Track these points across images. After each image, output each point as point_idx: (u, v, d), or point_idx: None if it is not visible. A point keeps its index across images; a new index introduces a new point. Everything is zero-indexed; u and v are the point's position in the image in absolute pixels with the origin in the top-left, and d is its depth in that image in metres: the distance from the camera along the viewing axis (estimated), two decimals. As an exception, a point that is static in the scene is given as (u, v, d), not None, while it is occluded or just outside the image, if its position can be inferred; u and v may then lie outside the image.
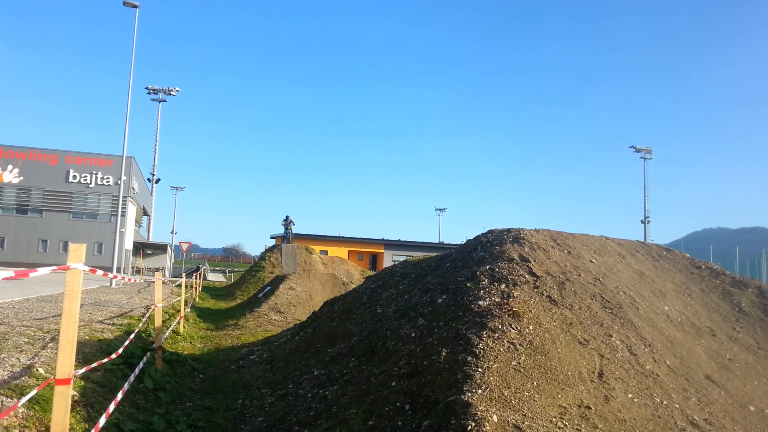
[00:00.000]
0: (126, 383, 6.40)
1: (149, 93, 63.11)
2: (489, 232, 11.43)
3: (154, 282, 10.20)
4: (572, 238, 11.27)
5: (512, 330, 6.50)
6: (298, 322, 14.86)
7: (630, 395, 6.03)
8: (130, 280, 11.42)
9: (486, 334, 6.33)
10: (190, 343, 13.16)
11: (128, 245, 51.89)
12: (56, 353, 4.84)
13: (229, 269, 75.08)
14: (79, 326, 5.33)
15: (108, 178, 50.83)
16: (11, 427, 4.69)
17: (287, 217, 35.45)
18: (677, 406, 6.24)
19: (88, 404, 5.96)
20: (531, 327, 6.67)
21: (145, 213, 67.75)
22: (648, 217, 66.12)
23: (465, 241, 12.18)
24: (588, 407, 5.44)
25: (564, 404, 5.38)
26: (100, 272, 5.53)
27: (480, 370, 5.58)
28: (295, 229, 36.53)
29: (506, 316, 6.82)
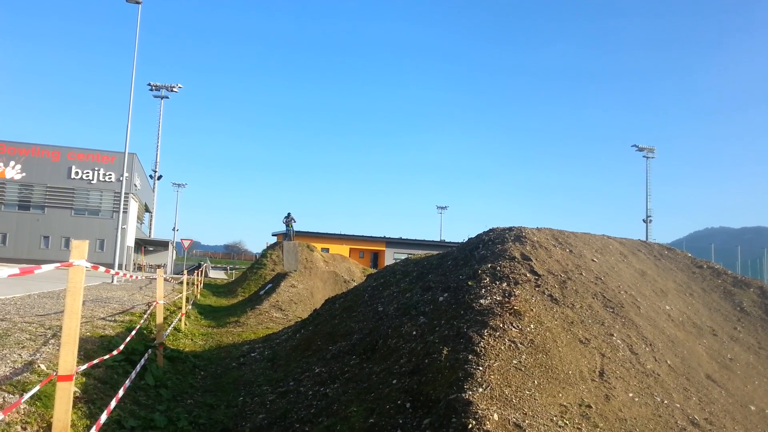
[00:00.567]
0: (127, 380, 6.42)
1: (151, 89, 63.22)
2: (491, 230, 11.43)
3: (155, 279, 10.21)
4: (574, 237, 11.27)
5: (513, 328, 6.50)
6: (300, 319, 14.89)
7: (631, 394, 6.03)
8: (131, 276, 11.43)
9: (487, 332, 6.33)
10: (192, 340, 13.18)
11: (130, 242, 52.02)
12: (58, 349, 4.86)
13: (231, 266, 75.17)
14: (81, 323, 5.35)
15: (110, 174, 50.92)
16: (13, 423, 4.71)
17: (289, 214, 35.49)
18: (678, 405, 6.24)
19: (89, 401, 5.98)
20: (532, 326, 6.67)
21: (147, 210, 67.86)
22: (650, 216, 66.10)
23: (467, 239, 12.19)
24: (589, 406, 5.44)
25: (565, 403, 5.39)
26: (102, 269, 5.54)
27: (481, 368, 5.58)
28: (296, 227, 36.60)
29: (507, 314, 6.82)
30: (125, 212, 39.77)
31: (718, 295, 11.59)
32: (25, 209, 50.34)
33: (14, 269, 3.49)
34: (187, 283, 18.42)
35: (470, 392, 5.12)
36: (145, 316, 11.47)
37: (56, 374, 4.05)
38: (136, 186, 54.52)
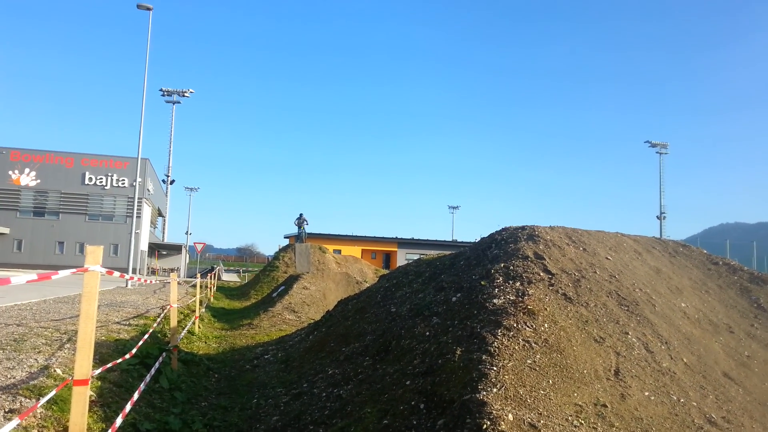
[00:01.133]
0: (142, 383, 6.46)
1: (163, 95, 63.49)
2: (503, 229, 11.38)
3: (169, 283, 10.27)
4: (587, 235, 11.20)
5: (527, 328, 6.46)
6: (312, 321, 14.91)
7: (647, 393, 5.97)
8: (145, 281, 11.51)
9: (501, 332, 6.30)
10: (206, 343, 13.24)
11: (143, 246, 52.37)
12: (73, 354, 4.89)
13: (243, 269, 75.45)
14: (96, 327, 5.38)
15: (123, 180, 51.32)
16: (30, 428, 4.75)
17: (301, 215, 35.50)
18: (695, 404, 6.18)
19: (105, 404, 6.02)
20: (546, 325, 6.63)
21: (160, 214, 68.26)
22: (664, 213, 65.64)
23: (479, 239, 12.15)
24: (604, 405, 5.40)
25: (580, 402, 5.35)
26: (116, 274, 5.58)
27: (495, 368, 5.55)
28: (308, 229, 36.62)
29: (521, 314, 6.79)
30: (138, 217, 40.03)
31: (735, 291, 11.47)
32: (40, 215, 50.83)
33: (32, 275, 3.52)
34: (201, 287, 18.50)
35: (484, 393, 5.10)
36: (159, 319, 11.54)
37: (72, 378, 4.08)
38: (149, 191, 54.89)
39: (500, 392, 5.13)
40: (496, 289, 7.72)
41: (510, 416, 4.68)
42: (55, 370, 6.31)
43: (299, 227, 34.65)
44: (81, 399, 4.03)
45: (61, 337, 8.43)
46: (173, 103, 64.14)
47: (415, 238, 70.76)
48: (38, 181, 50.33)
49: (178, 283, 11.88)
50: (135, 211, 31.06)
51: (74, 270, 4.16)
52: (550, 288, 7.87)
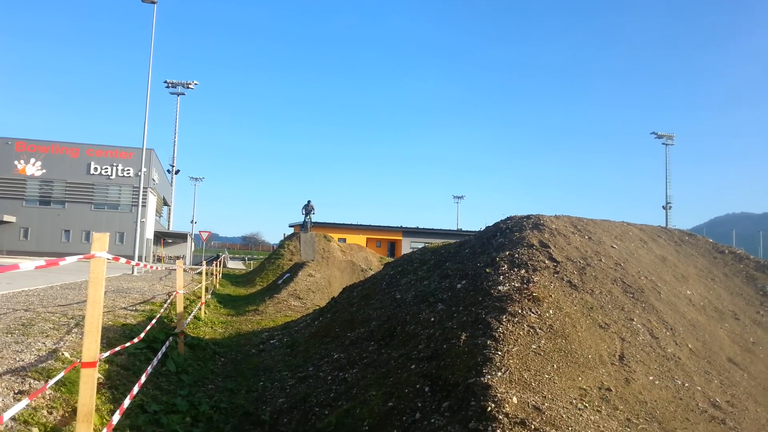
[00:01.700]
0: (149, 366, 6.51)
1: (168, 87, 63.48)
2: (508, 218, 11.37)
3: (175, 270, 10.32)
4: (593, 224, 11.18)
5: (532, 314, 6.48)
6: (318, 307, 14.96)
7: (651, 378, 5.99)
8: (152, 267, 11.56)
9: (506, 318, 6.32)
10: (212, 328, 13.31)
11: (149, 235, 52.53)
12: (80, 338, 4.94)
13: (249, 257, 75.62)
14: (103, 312, 5.41)
15: (128, 169, 51.40)
16: (39, 408, 4.80)
17: (309, 202, 35.25)
18: (699, 388, 6.20)
19: (113, 386, 6.07)
20: (551, 311, 6.65)
21: (166, 203, 68.41)
22: (670, 203, 65.42)
23: (484, 227, 12.14)
24: (608, 389, 5.42)
25: (584, 386, 5.37)
26: (123, 260, 5.61)
27: (500, 353, 5.58)
28: (313, 218, 36.54)
29: (526, 300, 6.80)
30: (144, 206, 40.10)
31: (741, 279, 11.46)
32: (46, 204, 51.02)
33: (40, 261, 3.56)
34: (206, 274, 18.58)
35: (489, 376, 5.13)
36: (166, 305, 11.60)
37: (80, 361, 4.12)
38: (154, 180, 54.97)
39: (505, 376, 5.16)
40: (501, 276, 7.73)
41: (514, 399, 4.71)
42: (63, 354, 6.36)
43: (306, 215, 34.34)
44: (89, 380, 4.07)
45: (69, 322, 8.49)
46: (178, 95, 64.19)
47: (419, 227, 70.76)
48: (44, 171, 50.47)
49: (184, 271, 11.93)
50: (140, 200, 31.15)
51: (81, 256, 4.19)
52: (555, 275, 7.88)
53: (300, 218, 36.73)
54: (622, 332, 6.79)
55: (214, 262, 32.93)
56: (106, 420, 5.00)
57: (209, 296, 18.56)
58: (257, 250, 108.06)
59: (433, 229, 70.04)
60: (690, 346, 7.28)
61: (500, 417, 4.42)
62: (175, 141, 66.52)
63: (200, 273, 18.28)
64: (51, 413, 4.81)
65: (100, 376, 6.03)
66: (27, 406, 4.61)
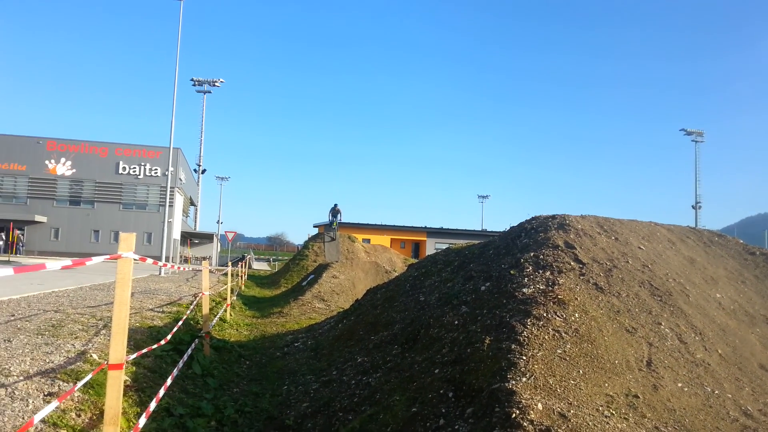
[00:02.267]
0: (175, 369, 6.57)
1: (194, 84, 64.12)
2: (533, 218, 11.26)
3: (201, 271, 10.41)
4: (620, 225, 11.02)
5: (557, 318, 6.41)
6: (342, 309, 15.00)
7: (680, 384, 5.88)
8: (179, 268, 11.67)
9: (530, 321, 6.26)
10: (237, 330, 13.41)
11: (176, 235, 53.18)
12: (109, 340, 5.00)
13: (274, 258, 76.14)
14: (130, 314, 5.46)
15: (156, 169, 52.11)
16: (68, 410, 4.88)
17: (335, 205, 35.30)
18: (729, 395, 6.06)
19: (139, 389, 6.14)
20: (577, 315, 6.56)
21: (192, 203, 69.21)
22: (699, 203, 64.23)
23: (508, 228, 12.04)
24: (636, 396, 5.33)
25: (611, 393, 5.29)
26: (149, 261, 5.67)
27: (524, 358, 5.52)
28: (337, 218, 36.62)
29: (551, 303, 6.73)
30: (171, 206, 40.65)
31: (772, 282, 11.19)
32: (75, 204, 51.97)
33: (67, 261, 3.60)
34: (232, 275, 18.74)
35: (513, 382, 5.08)
36: (192, 306, 11.72)
37: (107, 363, 4.17)
38: (181, 180, 55.65)
39: (529, 381, 5.10)
40: (526, 278, 7.66)
41: (539, 405, 4.65)
42: (91, 356, 6.46)
43: (333, 216, 34.32)
44: (116, 383, 4.12)
45: (97, 323, 8.62)
46: (204, 93, 64.82)
47: (444, 227, 70.49)
48: (74, 170, 51.41)
49: (210, 272, 12.03)
50: (167, 200, 31.53)
51: (108, 256, 4.23)
52: (581, 277, 7.78)
53: (325, 218, 36.83)
54: (650, 337, 6.68)
55: (240, 263, 33.20)
56: (133, 423, 5.06)
57: (234, 298, 18.71)
58: (282, 251, 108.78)
59: (457, 230, 69.73)
60: (720, 351, 7.13)
61: (525, 424, 4.37)
62: (201, 140, 67.24)
63: (226, 274, 18.44)
64: (79, 416, 4.89)
65: (127, 378, 6.11)
66: (56, 408, 4.69)
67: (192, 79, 64.01)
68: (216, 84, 64.26)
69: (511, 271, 8.15)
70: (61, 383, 5.36)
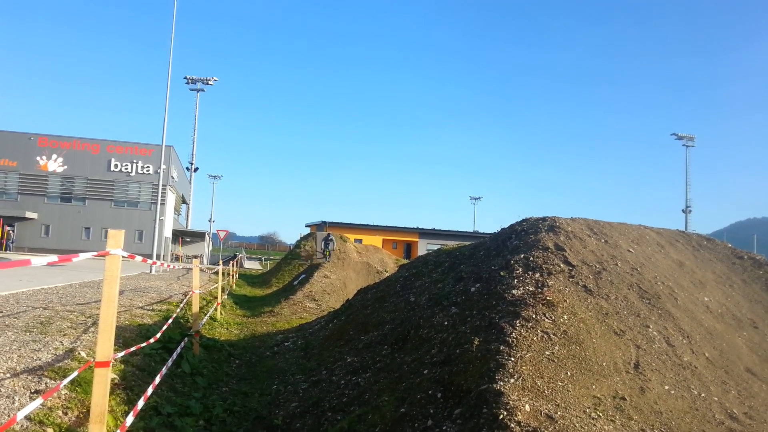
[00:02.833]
0: (164, 367, 6.56)
1: (188, 83, 63.97)
2: (524, 220, 11.30)
3: (192, 269, 10.39)
4: (609, 227, 11.08)
5: (546, 319, 6.44)
6: (332, 309, 14.99)
7: (667, 387, 5.92)
8: (169, 266, 11.64)
9: (519, 323, 6.28)
10: (227, 329, 13.39)
11: (168, 233, 52.98)
12: (97, 337, 4.98)
13: (265, 257, 75.98)
14: (119, 312, 5.45)
15: (148, 167, 51.89)
16: (55, 408, 4.86)
17: (329, 234, 35.09)
18: (716, 399, 6.11)
19: (127, 387, 6.13)
20: (565, 317, 6.59)
21: (184, 201, 68.97)
22: (689, 207, 64.60)
23: (499, 229, 12.08)
24: (623, 398, 5.36)
25: (598, 395, 5.32)
26: (139, 258, 5.65)
27: (513, 359, 5.54)
28: (329, 218, 36.63)
29: (540, 305, 6.76)
30: (163, 204, 40.51)
31: (760, 286, 11.28)
32: (66, 201, 51.67)
33: (53, 257, 3.57)
34: (223, 274, 18.70)
35: (502, 383, 5.09)
36: (182, 305, 11.69)
37: (94, 360, 4.15)
38: (173, 178, 55.44)
39: (518, 383, 5.12)
40: (516, 280, 7.69)
41: (527, 407, 4.67)
42: (79, 353, 6.43)
43: (326, 246, 33.97)
44: (102, 381, 4.10)
45: (86, 320, 8.58)
46: (197, 91, 64.67)
47: (436, 228, 70.61)
48: (65, 167, 51.11)
49: (201, 270, 11.99)
50: (159, 198, 31.46)
51: (95, 253, 4.21)
52: (570, 280, 7.82)
53: (316, 218, 36.75)
54: (638, 339, 6.72)
55: (231, 262, 33.12)
56: (120, 421, 5.04)
57: (225, 297, 18.67)
58: (274, 250, 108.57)
59: (449, 231, 69.86)
60: (707, 354, 7.18)
61: (512, 425, 4.39)
62: (194, 138, 67.09)
63: (217, 273, 18.41)
64: (66, 414, 4.87)
65: (115, 376, 6.09)
66: (42, 405, 4.67)
67: (185, 78, 63.88)
68: (209, 82, 64.13)
69: (501, 273, 8.18)
70: (48, 381, 5.34)
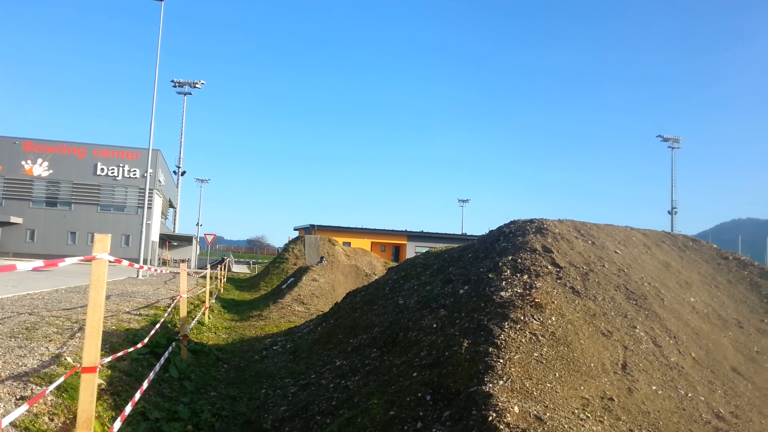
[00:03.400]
0: (152, 372, 6.51)
1: (175, 86, 63.57)
2: (512, 222, 11.35)
3: (179, 273, 10.34)
4: (596, 229, 11.15)
5: (534, 321, 6.46)
6: (321, 313, 14.96)
7: (654, 387, 5.96)
8: (156, 271, 11.57)
9: (508, 325, 6.30)
10: (215, 333, 13.32)
11: (155, 237, 52.65)
12: (84, 342, 4.94)
13: (254, 261, 75.71)
14: (106, 316, 5.40)
15: (134, 170, 51.57)
16: (41, 414, 4.81)
17: (322, 257, 35.19)
18: (702, 398, 6.16)
19: (114, 392, 6.07)
20: (553, 318, 6.62)
21: (171, 205, 68.57)
22: (675, 208, 65.09)
23: (487, 232, 12.12)
24: (611, 399, 5.39)
25: (587, 396, 5.35)
26: (125, 262, 5.61)
27: (501, 361, 5.56)
28: (317, 222, 36.63)
29: (528, 307, 6.78)
30: (150, 208, 40.22)
31: (745, 286, 11.39)
32: (52, 206, 51.22)
33: (38, 262, 3.54)
34: (211, 278, 18.61)
35: (491, 385, 5.11)
36: (169, 309, 11.61)
37: (80, 366, 4.12)
38: (160, 182, 55.11)
39: (506, 384, 5.14)
40: (504, 282, 7.71)
41: (516, 408, 4.69)
42: (66, 359, 6.37)
43: (321, 257, 33.77)
44: (89, 386, 4.07)
45: (72, 326, 8.50)
46: (185, 95, 64.26)
47: (424, 231, 70.70)
48: (51, 171, 50.66)
49: (189, 275, 11.92)
50: (146, 202, 31.22)
51: (81, 258, 4.18)
52: (558, 281, 7.85)
53: (304, 222, 36.73)
54: (625, 340, 6.76)
55: (219, 266, 32.98)
56: (107, 427, 5.00)
57: (213, 301, 18.58)
58: (262, 254, 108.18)
59: (437, 234, 69.97)
60: (693, 354, 7.24)
61: (501, 427, 4.40)
62: (181, 142, 66.53)
63: (204, 277, 18.31)
64: (52, 420, 4.82)
65: (102, 381, 6.04)
66: (28, 412, 4.62)
67: (172, 81, 63.48)
68: (197, 86, 63.78)
69: (490, 275, 8.20)
70: (34, 387, 5.28)
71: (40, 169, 50.57)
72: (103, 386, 5.98)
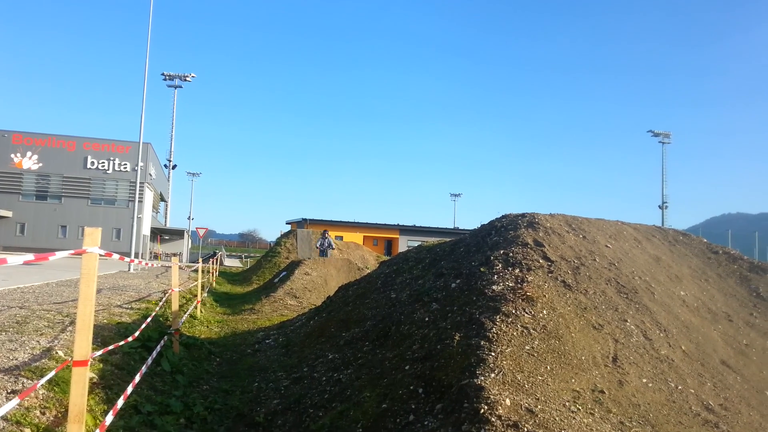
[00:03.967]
0: (144, 366, 6.50)
1: (165, 79, 63.15)
2: (503, 216, 11.37)
3: (171, 267, 10.31)
4: (588, 223, 11.19)
5: (526, 314, 6.49)
6: (314, 306, 14.96)
7: (644, 380, 6.01)
8: (147, 265, 11.53)
9: (499, 318, 6.33)
10: (207, 327, 13.30)
11: (146, 231, 52.37)
12: (75, 336, 4.92)
13: (246, 255, 75.57)
14: (97, 310, 5.39)
15: (125, 164, 51.27)
16: (32, 408, 4.80)
17: (325, 232, 33.43)
18: (692, 391, 6.21)
19: (106, 386, 6.06)
20: (545, 311, 6.66)
21: (162, 199, 68.27)
22: (666, 203, 65.48)
23: (479, 226, 12.14)
24: (602, 391, 5.43)
25: (577, 388, 5.39)
26: (116, 256, 5.59)
27: (493, 354, 5.59)
28: (310, 215, 36.44)
29: (520, 300, 6.81)
30: (140, 201, 40.08)
31: (734, 280, 11.48)
32: (42, 199, 50.87)
33: (29, 256, 3.52)
34: (203, 272, 18.56)
35: (482, 378, 5.13)
36: (161, 303, 11.59)
37: (72, 359, 4.11)
38: (151, 175, 54.82)
39: (498, 377, 5.17)
40: (496, 276, 7.74)
41: (507, 401, 4.72)
42: (57, 353, 6.35)
43: (323, 243, 32.11)
44: (80, 380, 4.06)
45: (64, 320, 8.47)
46: (175, 88, 63.88)
47: (416, 225, 70.78)
48: (40, 164, 50.29)
49: (180, 268, 11.90)
50: (137, 196, 31.07)
51: (72, 251, 4.16)
52: (550, 275, 7.89)
53: (297, 216, 36.53)
54: (616, 333, 6.81)
55: (211, 260, 32.90)
56: (99, 421, 4.99)
57: (205, 294, 18.54)
58: (254, 248, 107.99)
59: (429, 227, 70.07)
60: (683, 347, 7.30)
61: (493, 419, 4.43)
62: (172, 135, 66.21)
63: (196, 271, 18.27)
64: (44, 413, 4.81)
65: (93, 375, 6.02)
66: (19, 405, 4.61)
67: (163, 74, 63.06)
68: (187, 78, 63.39)
69: (481, 269, 8.23)
70: (25, 380, 5.26)
71: (29, 162, 50.18)
72: (94, 380, 5.97)
